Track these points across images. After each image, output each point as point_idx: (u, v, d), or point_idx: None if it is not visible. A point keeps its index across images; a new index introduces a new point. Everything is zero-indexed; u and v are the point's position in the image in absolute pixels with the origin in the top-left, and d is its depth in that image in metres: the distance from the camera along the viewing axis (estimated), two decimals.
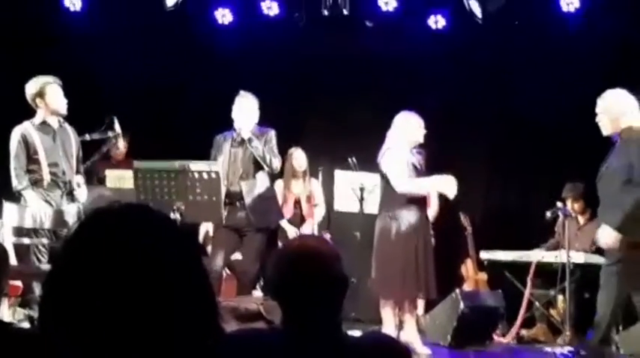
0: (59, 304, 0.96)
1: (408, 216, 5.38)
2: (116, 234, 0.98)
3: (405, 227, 5.35)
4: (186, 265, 1.01)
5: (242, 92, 5.61)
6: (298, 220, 6.84)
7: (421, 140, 5.58)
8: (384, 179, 5.53)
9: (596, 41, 6.86)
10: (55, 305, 0.97)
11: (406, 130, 5.50)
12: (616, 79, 6.80)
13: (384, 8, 6.98)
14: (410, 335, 5.33)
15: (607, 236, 4.69)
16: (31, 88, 5.30)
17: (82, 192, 5.34)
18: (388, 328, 5.31)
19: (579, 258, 6.14)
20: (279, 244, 6.52)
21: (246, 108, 5.56)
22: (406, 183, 5.41)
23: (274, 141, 5.61)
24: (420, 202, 5.48)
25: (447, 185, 5.36)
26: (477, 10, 6.81)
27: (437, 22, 7.30)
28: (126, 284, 0.94)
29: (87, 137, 5.51)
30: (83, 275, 0.95)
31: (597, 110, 5.03)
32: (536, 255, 6.21)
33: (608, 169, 4.83)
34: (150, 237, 0.99)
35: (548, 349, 5.81)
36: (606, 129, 4.98)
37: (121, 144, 5.66)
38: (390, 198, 5.46)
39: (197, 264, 1.03)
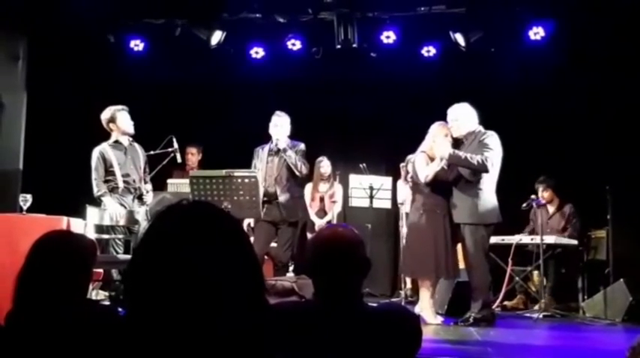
0: (145, 268, 0.97)
1: (434, 208, 5.03)
2: (188, 219, 1.00)
3: (432, 220, 5.02)
4: (241, 245, 1.02)
5: (278, 112, 5.60)
6: (322, 213, 6.89)
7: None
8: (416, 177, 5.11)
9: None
10: (142, 269, 0.97)
11: (437, 136, 5.07)
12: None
13: (385, 41, 6.99)
14: (424, 307, 5.01)
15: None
16: (105, 115, 5.37)
17: (149, 196, 5.41)
18: (424, 303, 5.00)
19: (550, 239, 6.11)
20: (308, 235, 6.55)
21: (281, 124, 5.56)
22: (424, 171, 5.00)
23: (304, 152, 5.61)
24: (442, 198, 5.06)
25: (441, 147, 4.95)
26: (461, 40, 6.79)
27: (428, 51, 7.29)
28: (195, 258, 0.94)
29: (151, 152, 5.58)
30: (164, 247, 0.96)
31: (449, 119, 5.09)
32: (515, 239, 6.19)
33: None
34: (213, 223, 1.01)
35: (527, 314, 5.82)
36: (457, 132, 5.06)
37: (179, 158, 5.66)
38: (419, 195, 5.11)
39: (249, 245, 1.04)
